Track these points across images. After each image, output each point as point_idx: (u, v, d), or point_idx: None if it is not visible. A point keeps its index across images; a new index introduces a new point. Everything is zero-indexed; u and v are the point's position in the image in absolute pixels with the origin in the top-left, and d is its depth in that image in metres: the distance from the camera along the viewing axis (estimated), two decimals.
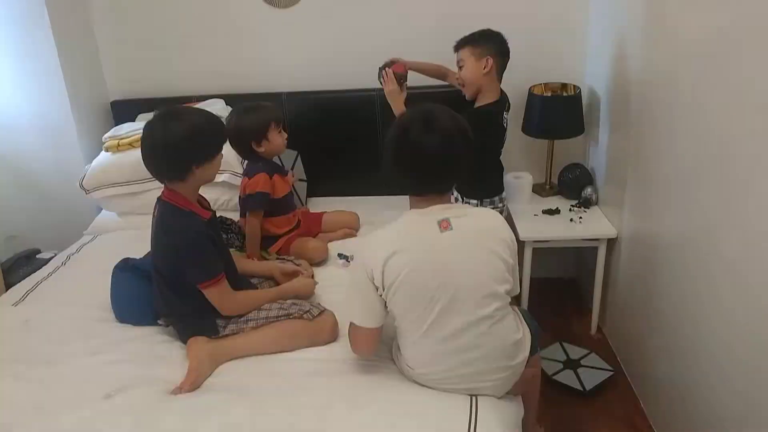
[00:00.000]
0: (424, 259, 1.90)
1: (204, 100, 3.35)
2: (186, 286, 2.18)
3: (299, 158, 3.35)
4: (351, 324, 2.04)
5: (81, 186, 3.17)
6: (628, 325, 2.96)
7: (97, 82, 3.53)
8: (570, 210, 3.25)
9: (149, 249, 2.74)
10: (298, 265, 2.64)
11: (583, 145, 3.49)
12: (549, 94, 3.29)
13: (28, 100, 3.30)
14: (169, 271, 2.21)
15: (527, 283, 3.16)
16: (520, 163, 3.50)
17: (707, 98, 2.07)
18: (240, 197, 2.84)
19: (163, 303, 2.30)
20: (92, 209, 3.40)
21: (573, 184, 3.33)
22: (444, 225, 1.92)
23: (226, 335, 2.24)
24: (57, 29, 3.17)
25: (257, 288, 2.48)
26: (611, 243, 3.08)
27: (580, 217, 3.17)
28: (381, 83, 2.83)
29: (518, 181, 3.32)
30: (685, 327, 2.33)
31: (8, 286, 2.92)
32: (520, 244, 3.02)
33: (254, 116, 2.72)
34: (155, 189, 3.03)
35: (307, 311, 2.27)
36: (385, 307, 1.97)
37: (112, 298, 2.48)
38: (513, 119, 3.29)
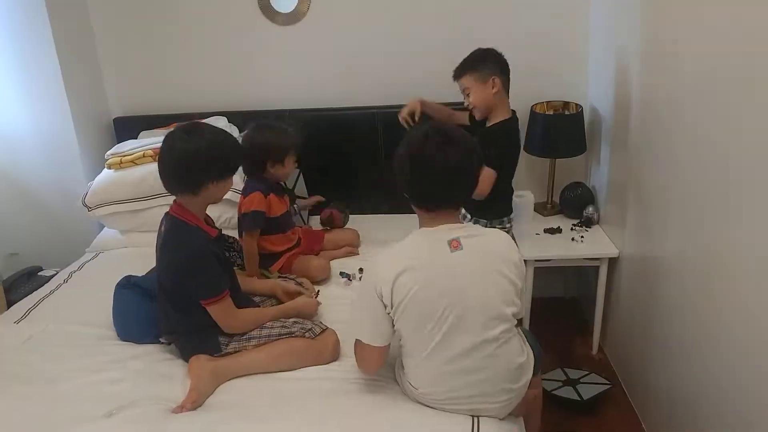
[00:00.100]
0: (434, 279, 1.89)
1: (206, 117, 3.36)
2: (190, 302, 2.18)
3: (301, 176, 3.35)
4: (358, 341, 2.03)
5: (83, 203, 3.17)
6: (630, 345, 2.96)
7: (99, 99, 3.55)
8: (571, 229, 3.25)
9: (151, 266, 2.74)
10: (299, 283, 2.64)
11: (584, 163, 3.49)
12: (551, 113, 3.30)
13: (31, 117, 3.31)
14: (173, 287, 2.21)
15: (528, 303, 3.15)
16: (522, 181, 3.49)
17: (708, 120, 2.08)
18: (238, 216, 2.85)
19: (165, 319, 2.29)
20: (94, 227, 3.40)
21: (574, 203, 3.33)
22: (454, 245, 1.91)
23: (228, 353, 2.24)
24: (60, 46, 3.18)
25: (259, 306, 2.47)
26: (613, 262, 3.07)
27: (582, 236, 3.17)
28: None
29: (520, 199, 3.31)
30: (687, 346, 2.32)
31: (10, 303, 2.91)
32: None
33: (283, 137, 2.75)
34: (157, 207, 3.07)
35: (309, 329, 2.27)
36: (393, 325, 1.96)
37: (114, 316, 2.48)
38: None
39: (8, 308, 2.81)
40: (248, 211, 2.73)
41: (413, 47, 3.36)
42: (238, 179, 3.02)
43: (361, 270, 2.83)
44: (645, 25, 2.60)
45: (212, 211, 2.56)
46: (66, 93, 3.26)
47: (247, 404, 2.07)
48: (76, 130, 3.33)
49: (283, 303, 2.48)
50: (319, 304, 2.54)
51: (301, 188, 3.34)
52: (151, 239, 3.03)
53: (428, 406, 2.01)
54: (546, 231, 3.22)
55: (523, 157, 3.37)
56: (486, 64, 2.71)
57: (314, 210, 3.38)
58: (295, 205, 3.17)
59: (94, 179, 3.25)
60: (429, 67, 3.35)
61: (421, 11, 3.32)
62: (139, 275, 2.60)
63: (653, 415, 2.72)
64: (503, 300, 1.94)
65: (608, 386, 2.93)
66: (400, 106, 3.33)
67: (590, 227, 3.25)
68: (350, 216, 3.30)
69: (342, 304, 2.58)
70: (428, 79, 3.34)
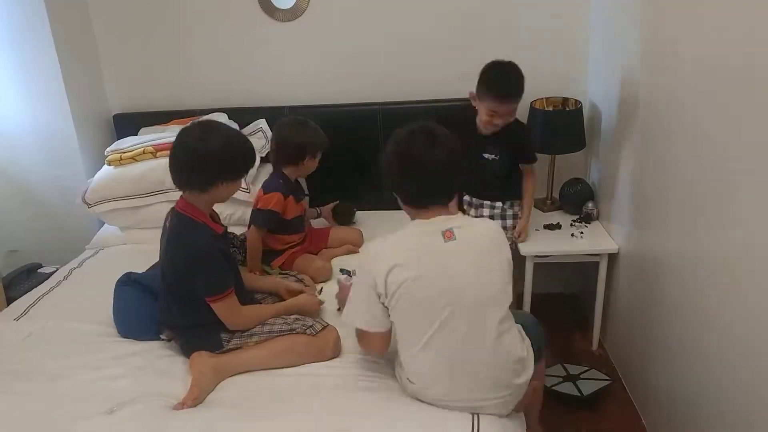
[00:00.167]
0: (428, 269, 1.92)
1: (207, 114, 3.36)
2: (193, 298, 2.18)
3: None
4: (357, 328, 2.08)
5: (83, 200, 3.16)
6: (630, 340, 2.96)
7: (99, 95, 3.54)
8: (571, 225, 3.25)
9: (151, 263, 2.75)
10: (300, 280, 2.65)
11: (584, 159, 3.49)
12: (550, 109, 3.29)
13: (30, 114, 3.30)
14: (177, 282, 2.21)
15: (528, 299, 3.15)
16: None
17: (707, 118, 2.07)
18: (252, 210, 2.85)
19: (168, 314, 2.29)
20: (94, 223, 3.40)
21: (574, 199, 3.33)
22: (448, 235, 1.94)
23: (230, 349, 2.24)
24: (59, 43, 3.18)
25: (261, 303, 2.47)
26: (612, 258, 3.08)
27: (582, 232, 3.17)
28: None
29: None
30: (686, 342, 2.33)
31: (10, 300, 2.91)
32: (522, 259, 3.03)
33: (317, 133, 2.83)
34: (157, 203, 3.07)
35: (310, 326, 2.27)
36: (388, 314, 1.98)
37: (114, 313, 2.48)
38: None
39: (8, 305, 2.81)
40: (264, 209, 2.74)
41: (413, 43, 3.36)
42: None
43: None
44: (645, 24, 2.60)
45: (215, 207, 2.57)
46: (65, 90, 3.25)
47: (248, 401, 2.07)
48: (75, 127, 3.32)
49: (284, 300, 2.48)
50: (322, 302, 2.54)
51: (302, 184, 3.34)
52: (151, 236, 3.04)
53: (428, 404, 2.01)
54: (546, 227, 3.22)
55: None
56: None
57: (313, 202, 3.40)
58: (318, 208, 3.27)
59: (93, 176, 3.24)
60: (429, 62, 3.36)
61: (421, 7, 3.32)
62: (140, 272, 2.60)
63: (653, 410, 2.72)
64: (499, 289, 1.97)
65: (608, 382, 2.94)
66: (401, 102, 3.35)
67: (590, 223, 3.25)
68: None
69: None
70: (429, 75, 3.36)
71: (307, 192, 3.25)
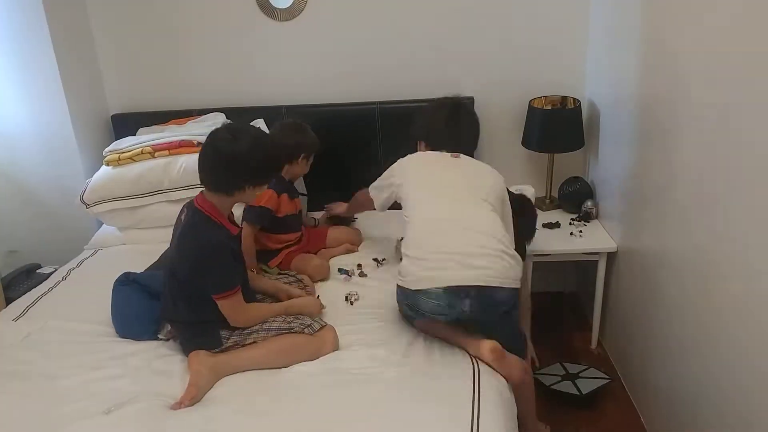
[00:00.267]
0: (436, 161, 2.55)
1: (205, 114, 3.37)
2: (197, 294, 2.19)
3: None
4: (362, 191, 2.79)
5: (81, 200, 3.16)
6: (629, 339, 2.96)
7: (97, 95, 3.54)
8: (570, 224, 3.25)
9: (150, 263, 2.75)
10: (300, 280, 2.66)
11: (583, 158, 3.49)
12: (549, 107, 3.30)
13: (29, 115, 3.30)
14: (186, 278, 2.21)
15: (528, 298, 3.13)
16: (521, 176, 3.50)
17: (707, 117, 2.08)
18: (245, 207, 2.85)
19: (172, 307, 2.29)
20: (93, 224, 3.40)
21: (573, 198, 3.33)
22: (454, 156, 2.55)
23: (229, 347, 2.24)
24: (57, 43, 3.17)
25: (262, 302, 2.47)
26: (611, 257, 3.08)
27: (581, 231, 3.17)
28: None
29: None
30: (685, 341, 2.33)
31: (8, 301, 2.90)
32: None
33: (298, 136, 2.83)
34: (156, 203, 3.07)
35: (309, 326, 2.28)
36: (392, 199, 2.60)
37: (112, 313, 2.48)
38: (513, 132, 3.31)
39: (7, 306, 2.80)
40: (256, 206, 2.74)
41: (411, 42, 3.36)
42: None
43: (359, 266, 2.84)
44: (644, 23, 2.60)
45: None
46: (64, 90, 3.24)
47: (246, 399, 2.07)
48: (74, 127, 3.32)
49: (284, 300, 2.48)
50: (324, 307, 2.54)
51: (299, 184, 3.33)
52: (150, 236, 3.06)
53: (421, 290, 2.22)
54: (545, 226, 3.22)
55: (522, 152, 3.39)
56: None
57: (312, 201, 3.40)
58: (315, 219, 3.27)
59: (92, 176, 3.24)
60: (427, 61, 3.35)
61: (419, 5, 3.31)
62: (138, 272, 2.60)
63: (652, 409, 2.72)
64: (487, 185, 2.45)
65: (607, 380, 2.94)
66: (399, 102, 3.35)
67: (589, 222, 3.26)
68: None
69: (341, 301, 2.61)
70: (426, 74, 3.35)
71: (305, 192, 3.26)
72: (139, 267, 2.67)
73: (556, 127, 3.23)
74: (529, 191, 3.29)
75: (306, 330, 2.26)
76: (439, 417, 1.94)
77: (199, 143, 2.99)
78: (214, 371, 2.17)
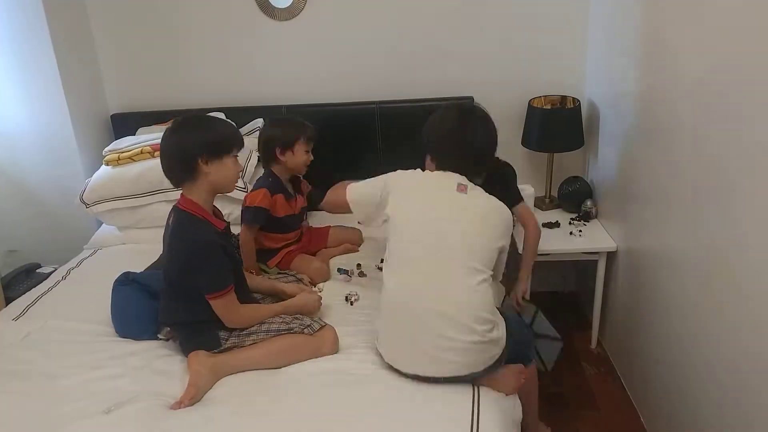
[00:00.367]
0: (434, 199, 2.24)
1: (205, 113, 3.37)
2: (193, 295, 2.18)
3: None
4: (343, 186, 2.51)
5: (81, 200, 3.16)
6: (629, 339, 2.96)
7: (97, 95, 3.54)
8: (570, 223, 3.26)
9: (149, 263, 2.75)
10: (299, 280, 2.66)
11: (582, 158, 3.49)
12: (549, 107, 3.30)
13: (28, 115, 3.30)
14: (179, 279, 2.21)
15: (527, 297, 3.14)
16: (520, 176, 3.48)
17: (706, 116, 2.08)
18: (241, 209, 2.85)
19: (170, 312, 2.29)
20: (92, 223, 3.40)
21: (573, 198, 3.33)
22: (461, 188, 2.23)
23: (228, 348, 2.24)
24: (57, 43, 3.17)
25: (260, 303, 2.47)
26: (611, 256, 3.08)
27: (580, 231, 3.17)
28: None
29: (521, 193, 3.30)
30: (685, 340, 2.33)
31: (8, 300, 2.90)
32: (520, 258, 3.02)
33: (291, 125, 2.81)
34: (156, 203, 3.07)
35: (308, 326, 2.27)
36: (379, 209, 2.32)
37: (112, 313, 2.48)
38: (513, 132, 3.31)
39: (6, 305, 2.80)
40: (251, 206, 2.74)
41: (411, 41, 3.36)
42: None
43: (359, 266, 2.84)
44: (644, 23, 2.60)
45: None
46: (63, 90, 3.24)
47: (246, 399, 2.07)
48: (73, 127, 3.32)
49: (283, 300, 2.48)
50: (320, 297, 2.53)
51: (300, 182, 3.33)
52: (150, 236, 3.05)
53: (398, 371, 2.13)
54: (544, 225, 3.21)
55: (521, 152, 3.39)
56: None
57: (312, 200, 3.39)
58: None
59: (92, 176, 3.24)
60: (427, 61, 3.35)
61: (418, 5, 3.31)
62: (138, 271, 2.60)
63: (652, 409, 2.72)
64: (487, 247, 2.18)
65: (560, 344, 2.76)
66: (399, 101, 3.34)
67: (588, 221, 3.26)
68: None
69: (341, 300, 2.61)
70: (425, 73, 3.35)
71: (310, 188, 3.25)
72: (138, 267, 2.67)
73: (556, 126, 3.23)
74: (528, 191, 3.30)
75: (305, 330, 2.25)
76: (439, 417, 1.94)
77: None
78: (214, 371, 2.16)
